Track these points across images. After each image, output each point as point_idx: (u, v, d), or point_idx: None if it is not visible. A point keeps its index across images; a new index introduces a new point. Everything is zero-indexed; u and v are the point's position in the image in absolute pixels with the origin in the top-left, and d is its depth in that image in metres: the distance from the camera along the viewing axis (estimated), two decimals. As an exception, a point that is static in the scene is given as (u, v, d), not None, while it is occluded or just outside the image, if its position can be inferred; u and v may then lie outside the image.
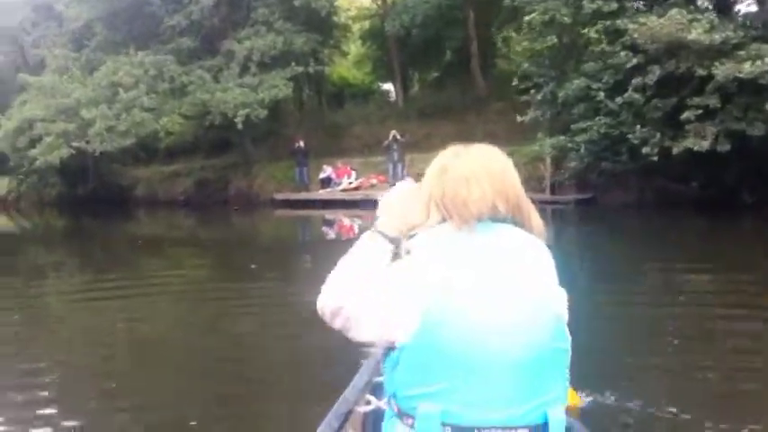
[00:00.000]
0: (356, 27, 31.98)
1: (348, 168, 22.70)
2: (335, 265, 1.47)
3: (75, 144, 21.41)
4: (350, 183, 22.28)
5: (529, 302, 1.33)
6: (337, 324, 1.43)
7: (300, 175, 22.87)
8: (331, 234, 17.17)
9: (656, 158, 13.03)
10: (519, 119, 15.69)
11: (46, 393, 4.43)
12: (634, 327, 5.80)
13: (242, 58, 21.01)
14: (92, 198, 26.24)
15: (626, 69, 13.39)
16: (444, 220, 1.41)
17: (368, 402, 1.82)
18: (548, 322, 1.33)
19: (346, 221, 18.47)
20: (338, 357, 4.67)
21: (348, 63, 33.84)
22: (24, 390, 4.50)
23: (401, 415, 1.37)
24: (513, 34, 28.89)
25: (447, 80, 27.98)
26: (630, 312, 6.30)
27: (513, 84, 17.47)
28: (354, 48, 32.96)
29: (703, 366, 4.63)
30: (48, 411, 4.08)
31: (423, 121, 24.85)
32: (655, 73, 12.93)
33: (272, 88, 20.72)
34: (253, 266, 10.03)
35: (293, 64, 21.46)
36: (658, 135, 13.00)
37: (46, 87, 22.39)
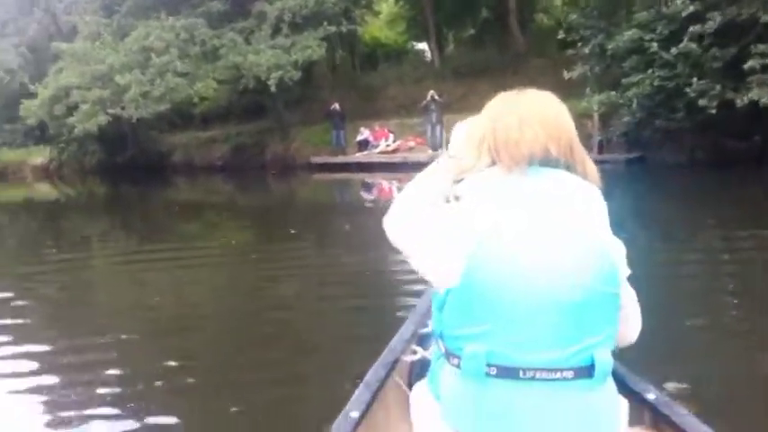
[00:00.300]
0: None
1: (385, 131, 22.25)
2: (383, 217, 1.51)
3: (111, 111, 21.29)
4: (387, 145, 21.86)
5: (578, 245, 1.30)
6: (396, 246, 1.48)
7: (337, 139, 22.50)
8: (369, 197, 16.82)
9: (714, 111, 12.25)
10: (566, 75, 14.93)
11: (90, 357, 4.35)
12: (693, 287, 5.50)
13: (273, 19, 20.45)
14: (131, 165, 26.27)
15: (682, 18, 12.52)
16: (494, 163, 1.40)
17: (414, 352, 1.85)
18: (597, 265, 1.30)
19: (385, 184, 18.14)
20: (379, 318, 4.60)
21: (380, 23, 33.06)
22: (68, 353, 4.43)
23: (448, 355, 1.39)
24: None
25: (484, 38, 27.13)
26: (689, 272, 5.99)
27: (559, 37, 16.57)
28: (386, 6, 32.16)
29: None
30: (90, 375, 4.03)
31: (459, 80, 24.17)
32: (715, 20, 11.99)
33: (305, 49, 20.20)
34: (292, 231, 9.79)
35: (325, 24, 20.87)
36: (718, 87, 12.15)
37: (79, 54, 22.22)
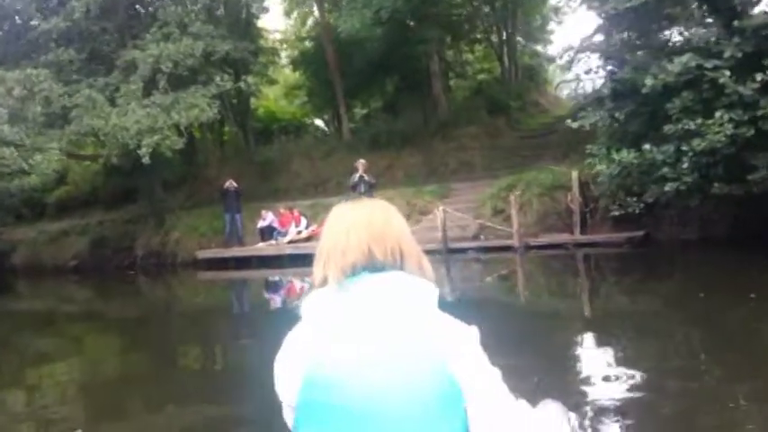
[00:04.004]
0: (284, 54, 26.37)
1: (295, 214, 16.59)
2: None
3: None
4: (299, 232, 16.18)
5: (406, 351, 1.21)
6: None
7: (232, 225, 16.57)
8: (277, 301, 11.88)
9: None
10: (573, 124, 10.17)
11: None
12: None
13: (147, 71, 14.43)
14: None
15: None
16: (326, 277, 1.32)
17: None
18: (426, 366, 1.21)
19: (297, 283, 12.81)
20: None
21: (275, 95, 27.96)
22: None
23: None
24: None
25: (397, 106, 22.53)
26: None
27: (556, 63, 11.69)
28: (282, 77, 27.17)
29: None
30: None
31: (378, 152, 19.24)
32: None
33: (191, 108, 14.21)
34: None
35: (218, 78, 15.16)
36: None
37: None
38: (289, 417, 1.31)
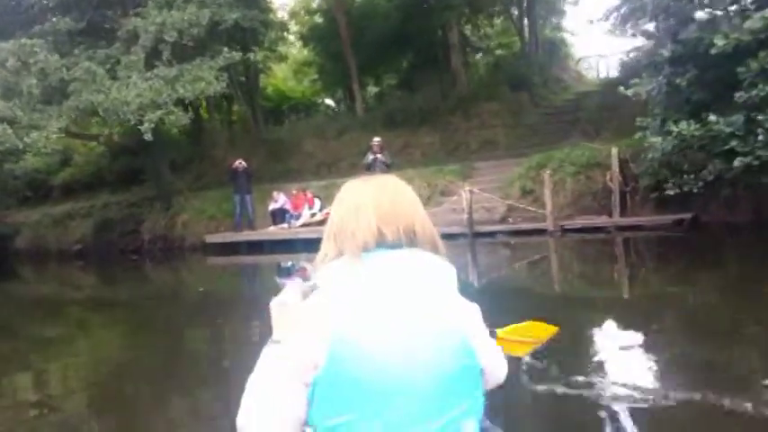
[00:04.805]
0: (293, 31, 25.05)
1: (308, 195, 15.48)
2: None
3: None
4: (313, 215, 15.07)
5: (429, 325, 1.25)
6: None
7: (242, 207, 15.45)
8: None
9: None
10: (628, 93, 8.96)
11: None
12: None
13: (150, 40, 13.24)
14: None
15: None
16: (341, 252, 1.33)
17: None
18: (450, 341, 1.25)
19: (311, 268, 11.42)
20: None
21: (284, 75, 26.70)
22: None
23: None
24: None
25: (415, 82, 21.26)
26: None
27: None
28: (291, 56, 25.90)
29: None
30: None
31: (394, 130, 18.05)
32: None
33: (197, 81, 13.03)
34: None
35: (225, 50, 13.94)
36: None
37: None
38: (291, 374, 1.24)
